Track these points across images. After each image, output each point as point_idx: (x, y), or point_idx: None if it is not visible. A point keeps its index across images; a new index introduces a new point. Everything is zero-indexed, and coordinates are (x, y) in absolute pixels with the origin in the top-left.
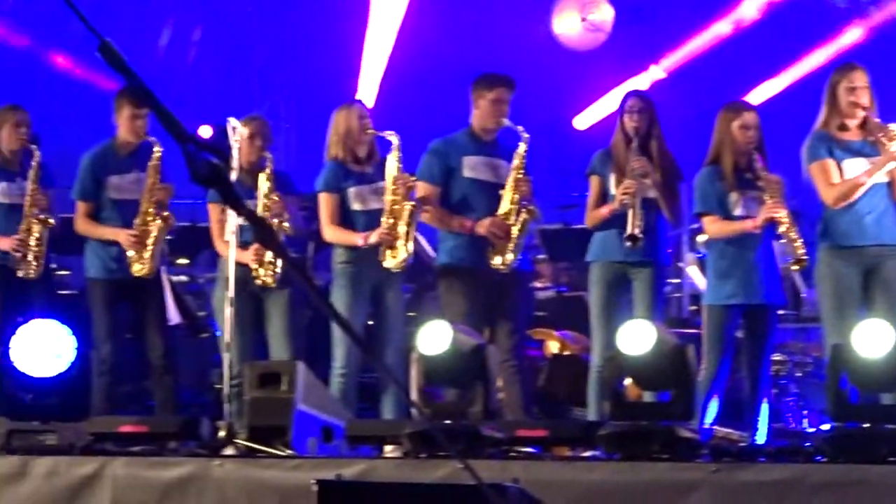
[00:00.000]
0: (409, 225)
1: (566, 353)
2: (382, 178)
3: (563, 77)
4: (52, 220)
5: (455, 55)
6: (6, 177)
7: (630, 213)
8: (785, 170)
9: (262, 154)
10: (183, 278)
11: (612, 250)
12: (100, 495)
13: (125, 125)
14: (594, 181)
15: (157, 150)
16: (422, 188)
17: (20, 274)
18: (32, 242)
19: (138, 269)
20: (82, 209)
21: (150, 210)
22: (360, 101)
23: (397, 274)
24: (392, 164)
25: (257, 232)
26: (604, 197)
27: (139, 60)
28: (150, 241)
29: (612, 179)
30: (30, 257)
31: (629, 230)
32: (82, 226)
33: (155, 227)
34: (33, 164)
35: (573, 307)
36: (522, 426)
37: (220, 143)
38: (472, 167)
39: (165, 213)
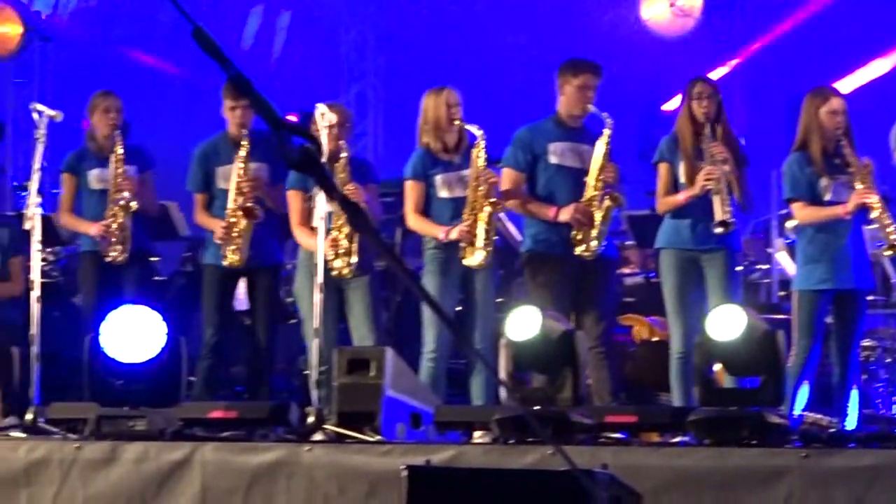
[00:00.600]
0: (488, 225)
1: (654, 338)
2: (469, 166)
3: (652, 63)
4: (134, 205)
5: (544, 41)
6: (100, 163)
7: (717, 198)
8: (874, 156)
9: (339, 143)
10: None
11: (684, 238)
12: (189, 481)
13: (227, 117)
14: (663, 168)
15: (245, 145)
16: (507, 175)
17: (108, 259)
18: (115, 227)
19: (230, 260)
20: (199, 200)
21: (241, 201)
22: (450, 88)
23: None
24: (477, 158)
25: (350, 217)
26: (673, 184)
27: (227, 47)
28: (236, 232)
29: (682, 167)
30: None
31: (719, 216)
32: (199, 217)
33: (240, 218)
34: (116, 150)
35: (661, 293)
36: (611, 412)
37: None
38: (557, 153)
39: (249, 206)
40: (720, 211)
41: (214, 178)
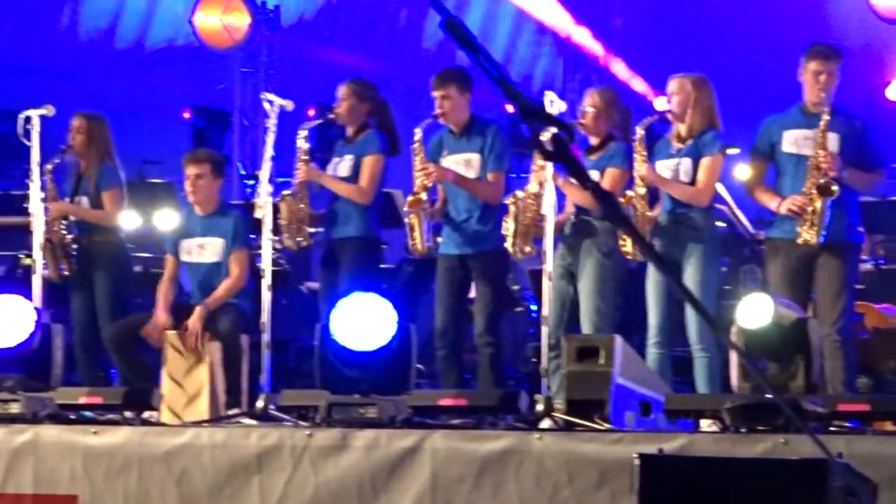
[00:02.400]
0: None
1: (886, 326)
2: None
3: (878, 46)
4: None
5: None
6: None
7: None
8: None
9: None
10: None
11: None
12: (419, 468)
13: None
14: None
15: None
16: (751, 164)
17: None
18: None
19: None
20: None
21: None
22: None
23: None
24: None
25: (602, 206)
26: None
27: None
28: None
29: None
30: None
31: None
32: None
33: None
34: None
35: (891, 280)
36: (844, 400)
37: None
38: (791, 142)
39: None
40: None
41: None
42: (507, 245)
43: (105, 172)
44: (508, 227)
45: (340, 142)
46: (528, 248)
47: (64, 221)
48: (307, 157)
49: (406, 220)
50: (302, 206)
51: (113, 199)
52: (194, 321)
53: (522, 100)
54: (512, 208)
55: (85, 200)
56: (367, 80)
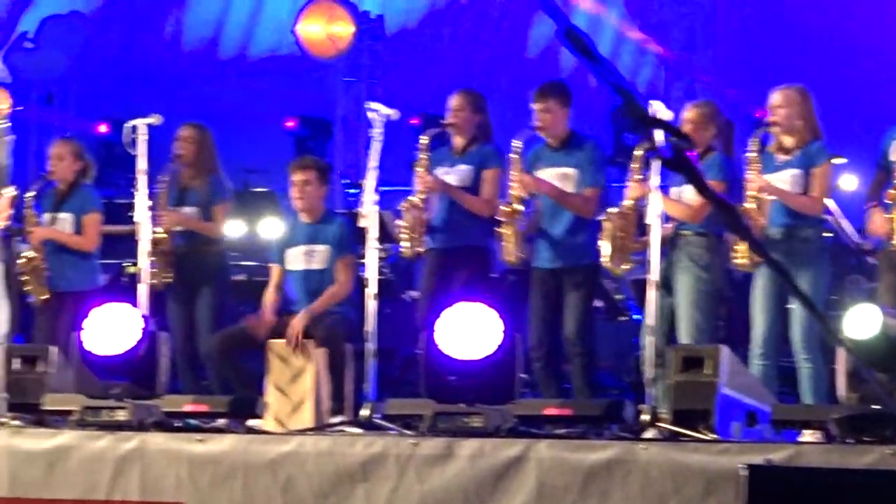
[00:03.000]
0: None
1: None
2: None
3: None
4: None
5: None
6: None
7: None
8: None
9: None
10: None
11: None
12: (525, 477)
13: None
14: None
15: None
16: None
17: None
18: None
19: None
20: None
21: None
22: None
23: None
24: None
25: (723, 216)
26: None
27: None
28: None
29: None
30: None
31: None
32: None
33: None
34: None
35: None
36: None
37: None
38: None
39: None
40: None
41: None
42: (605, 262)
43: (215, 184)
44: (603, 245)
45: (447, 151)
46: (625, 266)
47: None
48: (427, 167)
49: (499, 229)
50: (423, 215)
51: (223, 211)
52: (297, 321)
53: (640, 109)
54: (607, 225)
55: (193, 211)
56: (477, 92)
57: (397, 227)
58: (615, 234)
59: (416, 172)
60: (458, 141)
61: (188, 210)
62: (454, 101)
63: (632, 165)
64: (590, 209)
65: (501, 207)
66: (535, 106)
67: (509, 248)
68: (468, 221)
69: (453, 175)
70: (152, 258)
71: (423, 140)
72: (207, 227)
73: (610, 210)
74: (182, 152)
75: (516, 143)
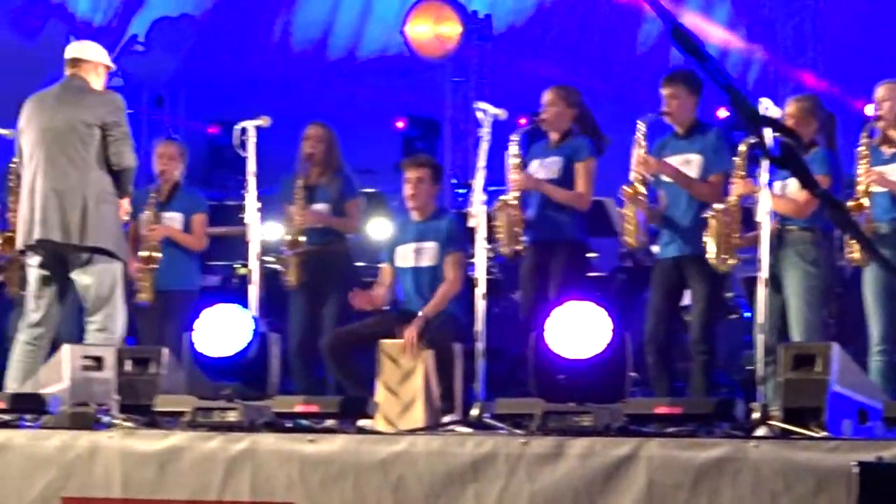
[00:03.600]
0: None
1: None
2: None
3: None
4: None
5: None
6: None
7: None
8: None
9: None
10: None
11: None
12: (634, 476)
13: None
14: None
15: None
16: None
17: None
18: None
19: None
20: None
21: None
22: None
23: None
24: None
25: (831, 212)
26: None
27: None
28: None
29: None
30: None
31: None
32: None
33: None
34: None
35: None
36: None
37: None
38: None
39: None
40: None
41: None
42: (710, 258)
43: (347, 182)
44: (709, 242)
45: (543, 146)
46: (731, 261)
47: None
48: (521, 165)
49: (621, 210)
50: (517, 213)
51: (357, 207)
52: (411, 330)
53: (750, 107)
54: (712, 222)
55: (324, 208)
56: (571, 87)
57: (494, 226)
58: (720, 230)
59: (508, 171)
60: (552, 136)
61: (320, 207)
62: (546, 96)
63: (736, 161)
64: (714, 195)
65: (624, 188)
66: (664, 91)
67: (630, 231)
68: (561, 215)
69: (544, 168)
70: (292, 254)
71: (514, 138)
72: (343, 223)
73: (715, 206)
74: (311, 151)
75: (640, 125)
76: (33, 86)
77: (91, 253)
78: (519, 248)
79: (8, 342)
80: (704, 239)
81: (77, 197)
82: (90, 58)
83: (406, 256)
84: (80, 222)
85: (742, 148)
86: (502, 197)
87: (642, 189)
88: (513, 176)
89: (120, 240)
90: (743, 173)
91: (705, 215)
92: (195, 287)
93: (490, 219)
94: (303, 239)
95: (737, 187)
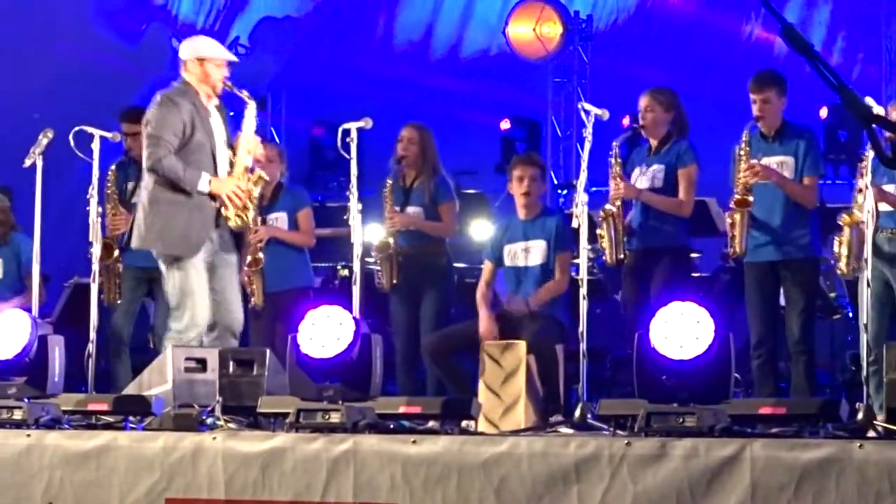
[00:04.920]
0: None
1: None
2: None
3: None
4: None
5: None
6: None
7: None
8: None
9: None
10: None
11: None
12: (739, 477)
13: None
14: None
15: None
16: None
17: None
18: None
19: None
20: None
21: None
22: None
23: None
24: None
25: None
26: None
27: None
28: None
29: None
30: None
31: None
32: None
33: None
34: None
35: None
36: None
37: None
38: None
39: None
40: None
41: None
42: (840, 266)
43: (441, 184)
44: (841, 249)
45: (643, 152)
46: (856, 266)
47: None
48: (621, 173)
49: (727, 217)
50: (620, 222)
51: (451, 210)
52: (515, 304)
53: (862, 107)
54: (847, 230)
55: (418, 211)
56: (667, 89)
57: (598, 235)
58: (852, 237)
59: (610, 179)
60: (652, 141)
61: (413, 210)
62: (642, 101)
63: (860, 166)
64: (811, 198)
65: (736, 195)
66: (754, 96)
67: (738, 239)
68: (664, 223)
69: (646, 176)
70: (378, 259)
71: (615, 145)
72: (436, 226)
73: (854, 213)
74: (405, 153)
75: (745, 134)
76: (135, 89)
77: (159, 258)
78: (622, 256)
79: (121, 345)
80: (835, 247)
81: (139, 205)
82: (181, 55)
83: (515, 255)
84: (136, 229)
85: (869, 153)
86: (607, 207)
87: (750, 198)
88: (615, 185)
89: (174, 240)
90: (869, 180)
91: (840, 222)
92: (309, 284)
93: (593, 225)
94: (392, 242)
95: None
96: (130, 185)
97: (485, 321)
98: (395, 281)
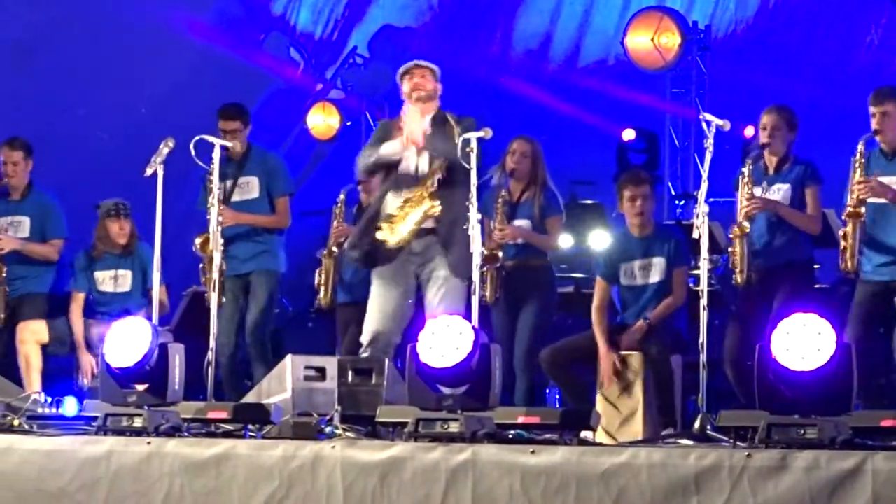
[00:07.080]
0: None
1: None
2: None
3: None
4: None
5: None
6: None
7: None
8: None
9: None
10: None
11: None
12: (860, 490)
13: None
14: None
15: None
16: None
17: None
18: None
19: None
20: None
21: None
22: None
23: None
24: None
25: None
26: None
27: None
28: None
29: None
30: None
31: None
32: None
33: None
34: None
35: None
36: None
37: None
38: None
39: None
40: None
41: None
42: None
43: (548, 197)
44: None
45: (760, 170)
46: None
47: None
48: (751, 192)
49: (840, 232)
50: (750, 240)
51: (558, 224)
52: (636, 330)
53: None
54: None
55: (526, 224)
56: (789, 107)
57: (729, 255)
58: None
59: (741, 197)
60: (771, 159)
61: (522, 223)
62: (768, 119)
63: None
64: None
65: (848, 207)
66: (874, 109)
67: (850, 252)
68: (790, 239)
69: (771, 195)
70: (489, 269)
71: (747, 165)
72: (542, 240)
73: None
74: (514, 166)
75: (859, 147)
76: (254, 99)
77: None
78: (752, 275)
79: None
80: None
81: None
82: None
83: (632, 273)
84: None
85: None
86: (742, 224)
87: (862, 210)
88: (746, 200)
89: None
90: None
91: None
92: None
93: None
94: (500, 254)
95: None
96: (229, 184)
97: (605, 360)
98: (497, 294)
